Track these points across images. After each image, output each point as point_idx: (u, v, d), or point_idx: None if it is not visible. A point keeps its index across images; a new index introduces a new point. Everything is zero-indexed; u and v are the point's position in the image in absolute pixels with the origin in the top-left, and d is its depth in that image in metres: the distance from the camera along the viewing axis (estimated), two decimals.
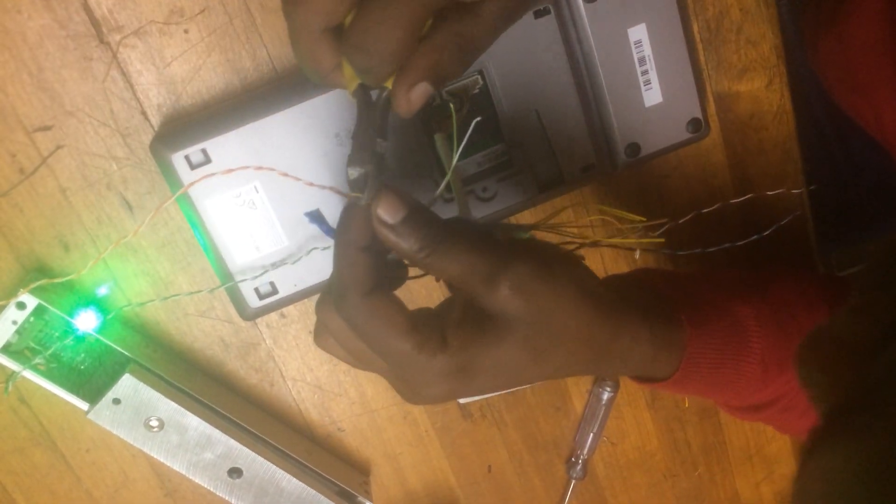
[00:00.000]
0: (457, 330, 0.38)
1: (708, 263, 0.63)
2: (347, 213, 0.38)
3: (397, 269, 0.42)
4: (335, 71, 0.36)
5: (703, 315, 0.46)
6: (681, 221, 0.51)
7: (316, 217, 0.43)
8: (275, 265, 0.51)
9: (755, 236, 0.53)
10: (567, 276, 0.39)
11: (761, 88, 0.58)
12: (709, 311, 0.46)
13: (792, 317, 0.48)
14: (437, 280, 0.43)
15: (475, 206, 0.52)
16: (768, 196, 0.60)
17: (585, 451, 0.67)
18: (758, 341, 0.46)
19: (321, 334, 0.42)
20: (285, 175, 0.47)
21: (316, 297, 0.56)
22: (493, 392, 0.41)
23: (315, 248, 0.51)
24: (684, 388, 0.47)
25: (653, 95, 0.53)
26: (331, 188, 0.48)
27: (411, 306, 0.40)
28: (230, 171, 0.48)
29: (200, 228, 0.50)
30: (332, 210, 0.50)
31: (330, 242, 0.50)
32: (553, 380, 0.44)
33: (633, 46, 0.52)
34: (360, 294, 0.37)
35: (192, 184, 0.48)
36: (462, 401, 0.62)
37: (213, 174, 0.48)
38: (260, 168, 0.48)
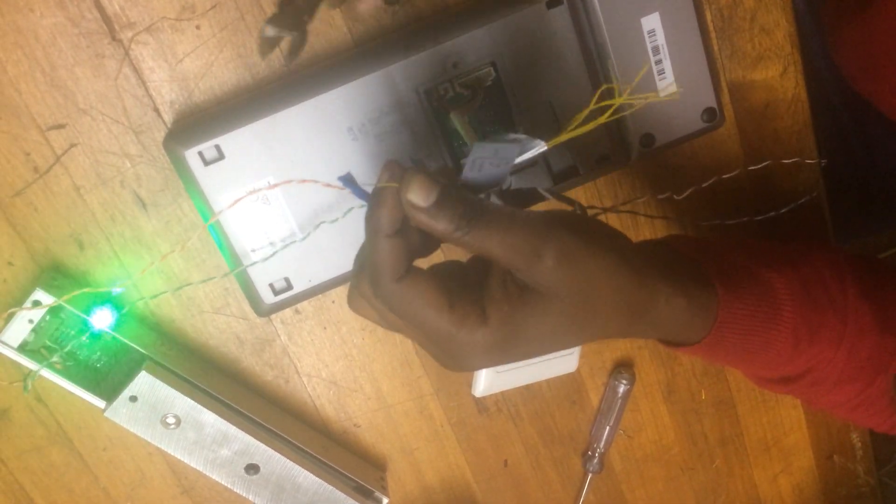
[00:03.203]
0: (497, 303, 0.38)
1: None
2: (375, 200, 0.38)
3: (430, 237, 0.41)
4: None
5: (735, 281, 0.45)
6: (704, 185, 0.53)
7: (349, 181, 0.42)
8: (286, 245, 0.51)
9: (772, 213, 0.53)
10: (606, 246, 0.39)
11: (775, 77, 0.57)
12: (741, 278, 0.46)
13: (823, 289, 0.48)
14: None
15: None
16: (784, 177, 0.60)
17: (602, 445, 0.67)
18: (789, 310, 0.46)
19: (355, 300, 0.42)
20: (316, 182, 0.47)
21: (331, 293, 0.56)
22: (533, 357, 0.41)
23: (323, 222, 0.50)
24: (713, 353, 0.46)
25: (667, 85, 0.53)
26: (351, 190, 0.48)
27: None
28: (255, 191, 0.48)
29: (214, 224, 0.50)
30: (362, 173, 0.50)
31: (345, 230, 0.50)
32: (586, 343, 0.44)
33: (646, 35, 0.51)
34: (394, 279, 0.37)
35: (229, 205, 0.48)
36: (477, 394, 0.62)
37: (259, 189, 0.48)
38: (303, 181, 0.48)
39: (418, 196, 0.37)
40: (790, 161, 0.58)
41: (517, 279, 0.38)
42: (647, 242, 0.49)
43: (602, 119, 0.44)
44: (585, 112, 0.43)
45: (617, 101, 0.43)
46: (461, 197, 0.38)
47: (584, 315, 0.39)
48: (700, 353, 0.46)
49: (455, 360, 0.40)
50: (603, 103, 0.44)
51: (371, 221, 0.38)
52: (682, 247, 0.48)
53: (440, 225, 0.37)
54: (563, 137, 0.44)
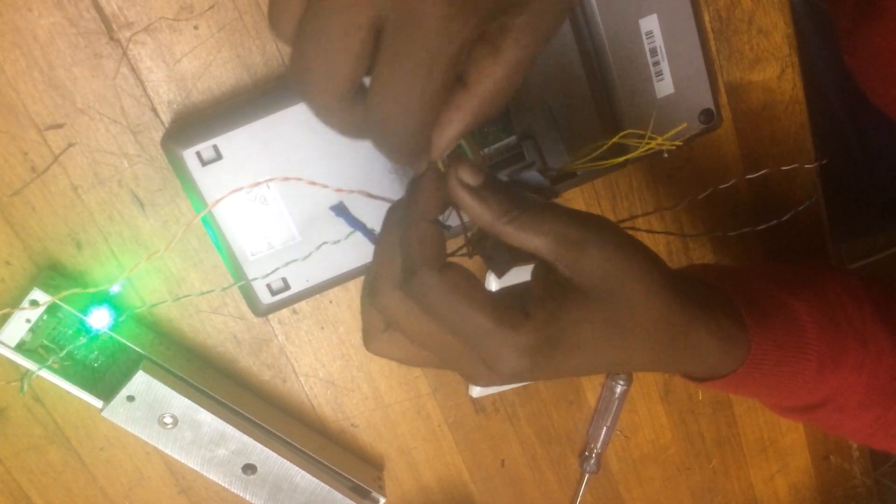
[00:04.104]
0: (540, 302, 0.36)
1: (722, 253, 0.62)
2: (418, 184, 0.36)
3: None
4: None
5: (761, 310, 0.44)
6: (700, 197, 0.52)
7: (341, 210, 0.42)
8: (286, 263, 0.51)
9: (775, 221, 0.53)
10: (649, 256, 0.38)
11: (773, 78, 0.57)
12: (766, 306, 0.45)
13: (843, 313, 0.47)
14: (471, 256, 0.40)
15: None
16: (781, 185, 0.60)
17: (599, 445, 0.67)
18: (814, 337, 0.45)
19: (373, 336, 0.39)
20: (312, 183, 0.47)
21: (329, 293, 0.56)
22: (566, 376, 0.39)
23: (325, 243, 0.51)
24: (741, 386, 0.45)
25: (664, 86, 0.53)
26: (358, 191, 0.48)
27: None
28: (256, 183, 0.48)
29: (212, 225, 0.50)
30: (353, 203, 0.50)
31: (344, 233, 0.50)
32: (624, 372, 0.42)
33: (644, 37, 0.51)
34: (436, 269, 0.34)
35: (217, 201, 0.48)
36: (475, 394, 0.62)
37: (239, 189, 0.48)
38: (286, 179, 0.48)
39: (468, 175, 0.35)
40: (789, 167, 0.58)
41: (560, 277, 0.37)
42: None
43: (612, 162, 0.45)
44: (600, 149, 0.43)
45: (641, 149, 0.44)
46: (506, 185, 0.36)
47: (624, 325, 0.37)
48: (726, 386, 0.45)
49: (491, 365, 0.36)
50: (617, 138, 0.44)
51: (412, 207, 0.36)
52: (705, 275, 0.47)
53: (488, 209, 0.35)
54: (578, 166, 0.45)
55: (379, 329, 0.39)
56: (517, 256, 0.39)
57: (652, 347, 0.39)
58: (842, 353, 0.46)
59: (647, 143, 0.47)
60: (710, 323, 0.41)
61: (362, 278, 0.56)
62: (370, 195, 0.48)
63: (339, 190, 0.49)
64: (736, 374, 0.44)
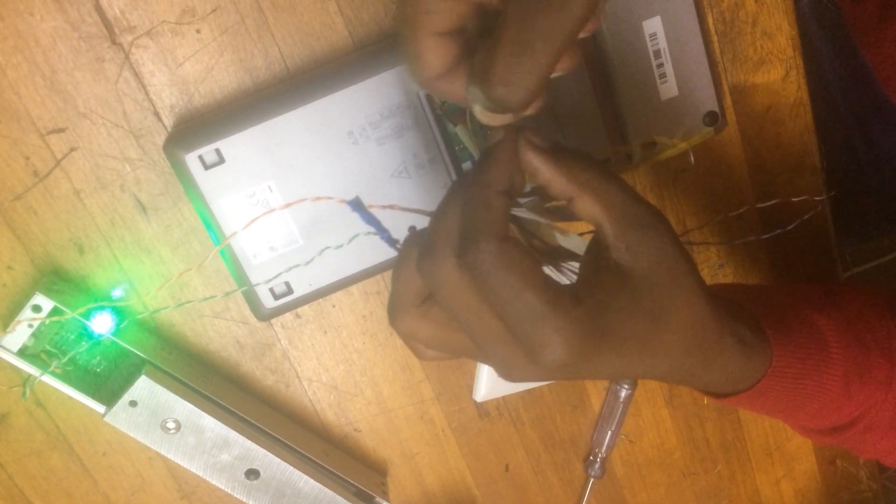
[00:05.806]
0: (590, 287, 0.35)
1: (728, 259, 0.62)
2: (490, 153, 0.36)
3: None
4: (440, 79, 0.34)
5: (784, 324, 0.44)
6: (717, 220, 0.52)
7: (357, 206, 0.42)
8: (290, 268, 0.51)
9: (779, 230, 0.52)
10: (692, 260, 0.38)
11: (777, 81, 0.57)
12: (787, 320, 0.44)
13: (868, 329, 0.46)
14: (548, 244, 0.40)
15: None
16: (787, 191, 0.60)
17: (603, 450, 0.67)
18: (838, 352, 0.44)
19: (404, 309, 0.38)
20: (343, 202, 0.47)
21: (332, 297, 0.56)
22: (601, 376, 0.37)
23: (328, 248, 0.50)
24: (763, 401, 0.44)
25: (668, 88, 0.53)
26: (359, 215, 0.48)
27: None
28: (288, 204, 0.48)
29: (214, 228, 0.50)
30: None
31: (347, 237, 0.50)
32: (653, 378, 0.41)
33: (648, 39, 0.51)
34: (496, 240, 0.33)
35: (245, 226, 0.48)
36: (479, 399, 0.62)
37: (271, 210, 0.48)
38: (318, 199, 0.48)
39: (538, 139, 0.35)
40: (799, 199, 0.57)
41: (613, 259, 0.36)
42: None
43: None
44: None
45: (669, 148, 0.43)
46: (573, 149, 0.36)
47: (662, 322, 0.36)
48: (750, 402, 0.44)
49: (534, 354, 0.34)
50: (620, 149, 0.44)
51: (482, 175, 0.35)
52: (727, 292, 0.46)
53: (566, 167, 0.35)
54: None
55: (412, 302, 0.38)
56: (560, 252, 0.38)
57: (684, 348, 0.38)
58: (867, 369, 0.45)
59: (669, 148, 0.47)
60: (735, 332, 0.40)
61: (365, 282, 0.56)
62: (402, 209, 0.48)
63: (370, 206, 0.48)
64: (757, 387, 0.43)
